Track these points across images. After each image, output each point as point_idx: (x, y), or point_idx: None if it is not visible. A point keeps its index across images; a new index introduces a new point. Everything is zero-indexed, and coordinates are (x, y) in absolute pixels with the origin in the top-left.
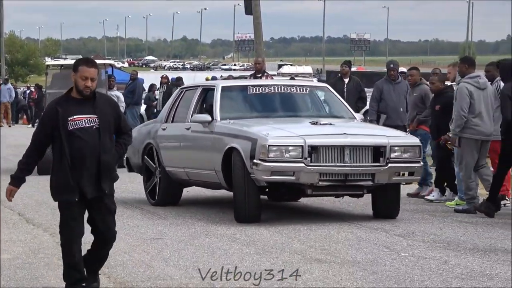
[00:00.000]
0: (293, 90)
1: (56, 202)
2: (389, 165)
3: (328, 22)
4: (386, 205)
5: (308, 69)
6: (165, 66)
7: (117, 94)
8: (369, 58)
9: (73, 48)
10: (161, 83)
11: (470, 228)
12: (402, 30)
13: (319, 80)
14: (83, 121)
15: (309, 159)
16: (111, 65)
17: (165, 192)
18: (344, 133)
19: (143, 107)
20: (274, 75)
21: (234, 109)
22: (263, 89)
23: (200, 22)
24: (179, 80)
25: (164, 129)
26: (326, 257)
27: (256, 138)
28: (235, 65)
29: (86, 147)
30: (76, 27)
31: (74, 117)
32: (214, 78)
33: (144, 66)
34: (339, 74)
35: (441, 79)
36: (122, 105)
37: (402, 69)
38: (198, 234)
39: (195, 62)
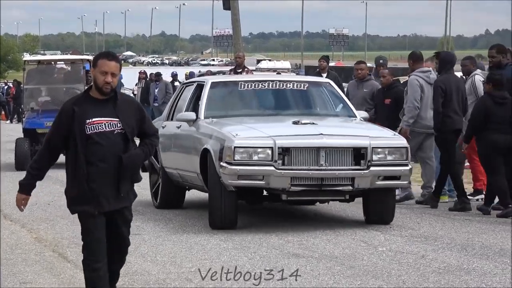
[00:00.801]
0: (289, 86)
1: (35, 199)
2: (371, 168)
3: (307, 17)
4: (379, 210)
5: (286, 64)
6: (143, 61)
7: None
8: (347, 53)
9: (52, 43)
10: (139, 78)
11: (448, 222)
12: (381, 25)
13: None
14: (103, 124)
15: (280, 162)
16: (89, 61)
17: (166, 194)
18: (320, 134)
19: None
20: (254, 70)
21: (222, 107)
22: (256, 85)
23: (178, 17)
24: (158, 76)
25: (163, 127)
26: (303, 251)
27: (225, 139)
28: (213, 60)
29: (105, 155)
30: (55, 23)
31: (93, 119)
32: (191, 74)
33: (122, 62)
34: (317, 69)
35: (392, 72)
36: None
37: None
38: (175, 230)
39: (174, 58)
